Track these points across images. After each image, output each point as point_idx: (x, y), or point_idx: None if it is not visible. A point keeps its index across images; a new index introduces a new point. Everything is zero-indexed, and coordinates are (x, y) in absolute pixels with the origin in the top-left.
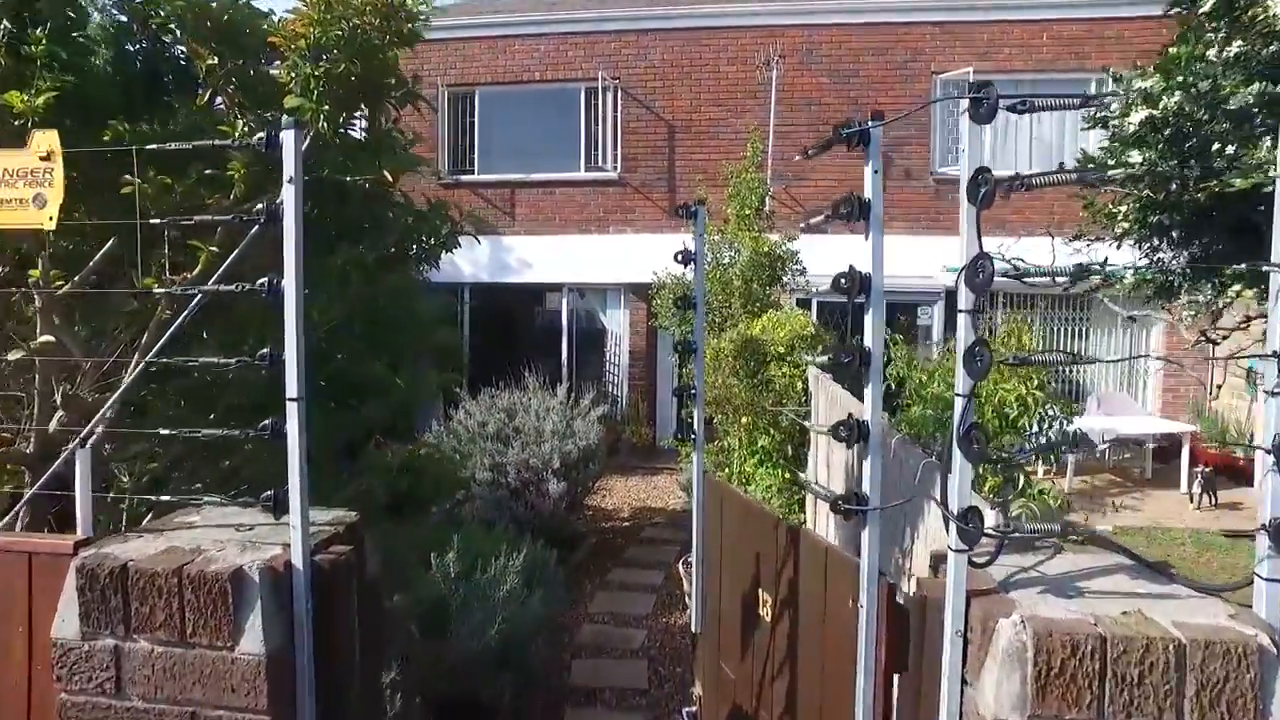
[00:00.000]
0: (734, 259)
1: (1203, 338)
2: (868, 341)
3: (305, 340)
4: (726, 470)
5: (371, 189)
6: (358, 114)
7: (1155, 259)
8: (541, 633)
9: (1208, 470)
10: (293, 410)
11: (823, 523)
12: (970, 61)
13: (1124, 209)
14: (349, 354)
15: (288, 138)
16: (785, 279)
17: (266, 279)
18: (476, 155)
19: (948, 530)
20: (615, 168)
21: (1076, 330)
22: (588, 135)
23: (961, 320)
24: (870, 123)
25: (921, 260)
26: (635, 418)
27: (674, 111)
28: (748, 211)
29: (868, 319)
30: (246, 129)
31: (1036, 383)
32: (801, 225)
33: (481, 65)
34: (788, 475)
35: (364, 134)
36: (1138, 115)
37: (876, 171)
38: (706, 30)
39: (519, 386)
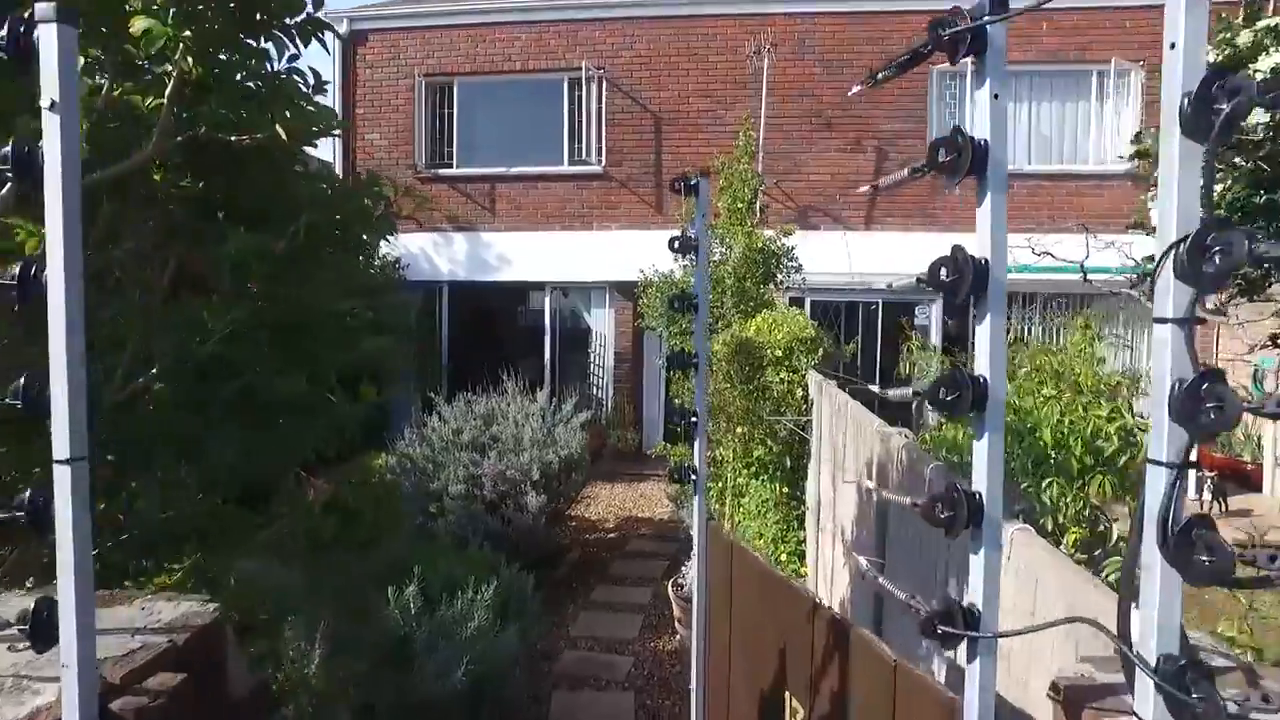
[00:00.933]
0: (726, 255)
1: (1270, 342)
2: (979, 365)
3: (196, 350)
4: (719, 483)
5: (270, 153)
6: (252, 53)
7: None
8: (517, 664)
9: (1214, 475)
10: (63, 479)
11: (828, 553)
12: None
13: (1219, 187)
14: (256, 366)
15: (47, 35)
16: (780, 277)
17: (19, 267)
18: (455, 148)
19: (1131, 690)
20: (600, 161)
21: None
22: (571, 127)
23: (1167, 336)
24: (988, 16)
25: (919, 258)
26: (621, 422)
27: (661, 103)
28: (740, 205)
29: (981, 329)
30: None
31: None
32: (866, 188)
33: (460, 54)
34: (784, 489)
35: (257, 82)
36: (1268, 61)
37: (997, 96)
38: (694, 18)
39: (498, 391)
